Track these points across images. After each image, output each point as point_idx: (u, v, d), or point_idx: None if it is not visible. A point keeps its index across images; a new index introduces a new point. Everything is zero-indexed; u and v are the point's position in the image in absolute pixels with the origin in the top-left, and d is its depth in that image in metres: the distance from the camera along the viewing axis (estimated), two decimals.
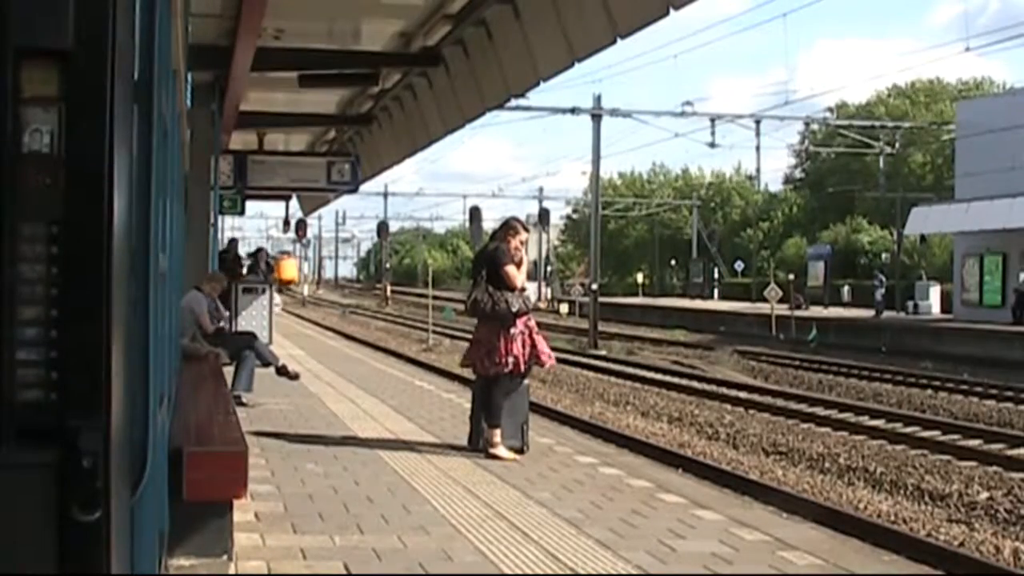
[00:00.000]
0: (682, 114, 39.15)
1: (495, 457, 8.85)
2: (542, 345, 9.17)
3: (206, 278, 12.11)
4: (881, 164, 52.34)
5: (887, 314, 41.09)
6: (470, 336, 9.36)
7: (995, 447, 15.25)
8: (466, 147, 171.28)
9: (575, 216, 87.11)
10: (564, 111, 38.72)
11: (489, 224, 39.36)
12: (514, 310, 8.92)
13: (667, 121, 75.66)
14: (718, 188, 79.11)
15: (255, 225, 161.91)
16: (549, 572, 5.52)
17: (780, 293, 38.87)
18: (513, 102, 21.43)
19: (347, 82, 16.86)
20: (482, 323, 9.01)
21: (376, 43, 15.05)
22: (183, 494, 5.07)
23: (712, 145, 39.95)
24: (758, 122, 41.10)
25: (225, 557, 5.41)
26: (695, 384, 23.35)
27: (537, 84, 13.31)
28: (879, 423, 17.58)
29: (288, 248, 71.18)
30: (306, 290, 69.77)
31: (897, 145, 53.33)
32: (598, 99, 38.84)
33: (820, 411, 19.05)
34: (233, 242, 23.28)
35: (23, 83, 1.90)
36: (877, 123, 53.00)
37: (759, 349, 33.35)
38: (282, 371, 13.94)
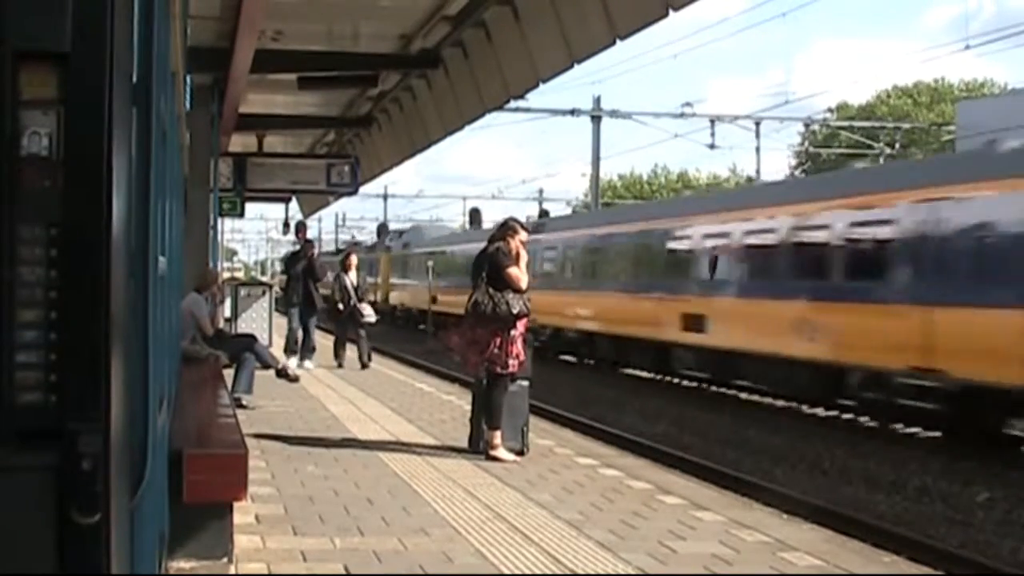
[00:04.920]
0: (681, 115, 39.10)
1: (495, 459, 8.84)
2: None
3: (199, 276, 12.06)
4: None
5: None
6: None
7: (995, 447, 15.22)
8: (466, 149, 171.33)
9: None
10: (564, 113, 38.75)
11: (489, 226, 39.41)
12: (515, 312, 8.92)
13: (667, 122, 75.67)
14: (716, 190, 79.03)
15: (255, 227, 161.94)
16: (549, 573, 5.51)
17: None
18: (513, 104, 21.43)
19: (346, 84, 16.88)
20: (482, 324, 9.00)
21: (375, 45, 15.07)
22: (183, 496, 5.07)
23: (712, 146, 39.89)
24: (758, 123, 41.02)
25: (225, 559, 5.41)
26: (695, 385, 23.32)
27: (536, 85, 13.33)
28: (878, 423, 17.56)
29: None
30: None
31: (898, 145, 53.30)
32: (598, 100, 38.97)
33: (820, 411, 19.03)
34: (308, 243, 18.47)
35: (22, 85, 1.90)
36: (877, 123, 52.98)
37: None
38: (282, 373, 13.95)
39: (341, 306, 17.63)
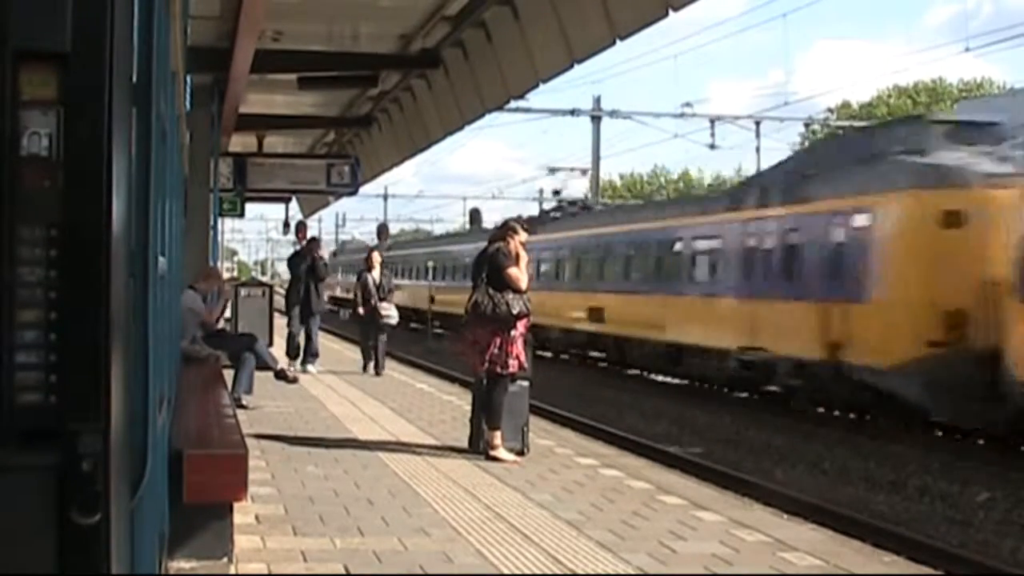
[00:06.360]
0: (682, 115, 39.13)
1: (496, 459, 8.84)
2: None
3: (202, 275, 12.05)
4: None
5: None
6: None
7: (995, 447, 15.23)
8: (466, 149, 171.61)
9: None
10: (564, 113, 38.80)
11: (489, 226, 39.37)
12: (515, 312, 8.92)
13: (667, 122, 75.72)
14: (718, 189, 79.05)
15: (255, 227, 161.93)
16: (549, 573, 5.51)
17: None
18: (513, 104, 21.46)
19: (346, 84, 16.90)
20: (482, 325, 9.00)
21: (375, 45, 15.08)
22: (183, 496, 5.07)
23: (712, 147, 39.92)
24: (758, 123, 41.04)
25: (225, 559, 5.41)
26: (695, 385, 23.32)
27: (536, 86, 13.34)
28: (879, 423, 17.56)
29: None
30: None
31: None
32: (598, 100, 39.09)
33: (820, 411, 19.03)
34: (313, 242, 17.45)
35: (22, 86, 1.90)
36: (876, 124, 52.99)
37: None
38: (281, 375, 13.95)
39: (361, 310, 16.85)
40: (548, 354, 29.51)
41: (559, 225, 31.60)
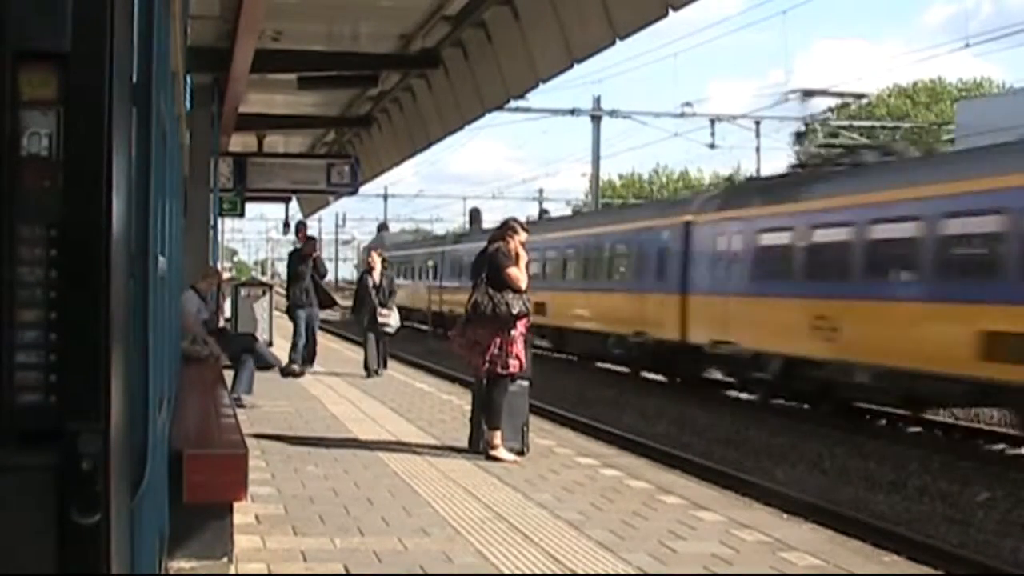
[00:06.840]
0: (682, 115, 39.07)
1: (495, 459, 8.84)
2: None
3: (201, 274, 12.04)
4: None
5: None
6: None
7: (995, 447, 15.25)
8: (466, 149, 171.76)
9: None
10: (564, 113, 38.81)
11: (489, 226, 39.34)
12: (515, 312, 8.91)
13: (667, 122, 75.79)
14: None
15: (255, 227, 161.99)
16: (549, 573, 5.51)
17: None
18: (513, 103, 21.47)
19: (346, 84, 16.91)
20: (482, 325, 9.00)
21: (375, 45, 15.09)
22: (183, 496, 5.07)
23: (712, 146, 39.88)
24: (758, 123, 40.99)
25: (225, 559, 5.41)
26: (695, 385, 23.31)
27: (536, 85, 13.35)
28: (879, 423, 17.57)
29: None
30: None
31: None
32: (598, 100, 39.09)
33: (821, 411, 19.03)
34: (311, 241, 16.92)
35: (22, 86, 1.90)
36: (877, 123, 53.01)
37: None
38: (287, 371, 13.97)
39: (354, 314, 16.49)
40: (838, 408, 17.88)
41: (855, 182, 17.49)
